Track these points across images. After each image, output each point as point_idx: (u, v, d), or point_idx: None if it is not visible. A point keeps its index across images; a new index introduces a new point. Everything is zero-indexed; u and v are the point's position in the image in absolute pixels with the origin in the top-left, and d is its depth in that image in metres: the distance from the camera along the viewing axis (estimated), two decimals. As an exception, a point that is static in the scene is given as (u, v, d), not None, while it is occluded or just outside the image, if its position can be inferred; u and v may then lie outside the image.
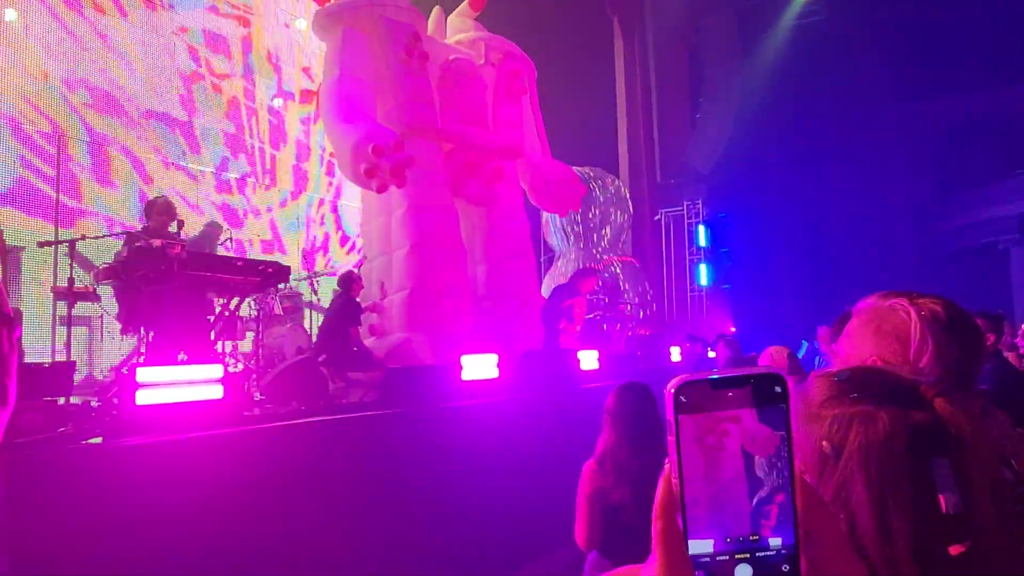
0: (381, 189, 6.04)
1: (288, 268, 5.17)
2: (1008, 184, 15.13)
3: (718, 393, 0.47)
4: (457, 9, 8.14)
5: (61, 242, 4.96)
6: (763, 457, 0.47)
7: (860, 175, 15.83)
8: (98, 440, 2.89)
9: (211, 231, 7.03)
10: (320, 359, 5.60)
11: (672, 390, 0.47)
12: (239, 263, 4.84)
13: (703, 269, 13.31)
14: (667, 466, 0.47)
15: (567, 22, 13.35)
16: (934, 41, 15.05)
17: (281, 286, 6.17)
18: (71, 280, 4.69)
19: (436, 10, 7.58)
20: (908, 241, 16.29)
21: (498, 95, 7.86)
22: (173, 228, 4.98)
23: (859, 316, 1.23)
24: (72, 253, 4.77)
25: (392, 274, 6.78)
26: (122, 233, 5.10)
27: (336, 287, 6.54)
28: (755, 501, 0.46)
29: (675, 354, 8.48)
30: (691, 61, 15.66)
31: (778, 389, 0.47)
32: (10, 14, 6.66)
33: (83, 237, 4.92)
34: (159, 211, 5.11)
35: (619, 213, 13.12)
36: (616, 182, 13.66)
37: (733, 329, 12.77)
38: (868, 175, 15.97)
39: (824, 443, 0.71)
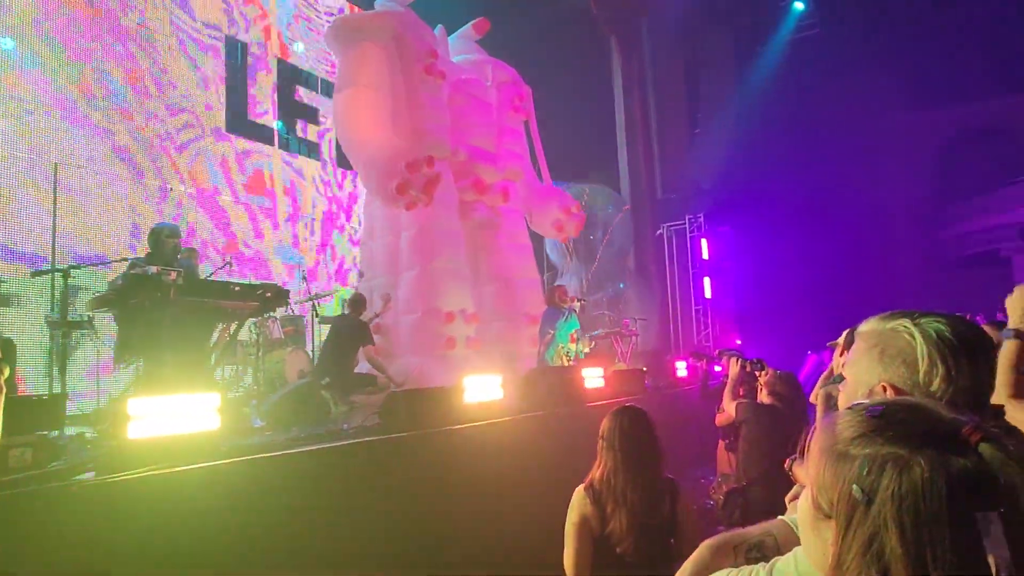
0: (410, 206, 6.05)
1: (287, 291, 5.11)
2: (1008, 191, 15.12)
3: None
4: (459, 31, 8.21)
5: (56, 271, 4.90)
6: None
7: (860, 185, 15.81)
8: (89, 475, 2.79)
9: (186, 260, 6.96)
10: (323, 382, 5.51)
11: None
12: (236, 288, 4.77)
13: (706, 283, 13.23)
14: None
15: (565, 41, 13.44)
16: (929, 51, 15.12)
17: (281, 309, 6.12)
18: (65, 310, 4.62)
19: (439, 29, 7.60)
20: (910, 250, 16.23)
21: (502, 118, 7.92)
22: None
23: (862, 339, 1.16)
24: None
25: (400, 295, 6.74)
26: (119, 260, 5.03)
27: (344, 308, 6.46)
28: None
29: (681, 369, 8.39)
30: (689, 77, 15.74)
31: None
32: (7, 43, 6.66)
33: (77, 266, 4.86)
34: (166, 236, 5.02)
35: (620, 229, 13.08)
36: (617, 197, 13.65)
37: (739, 342, 12.65)
38: (868, 185, 15.95)
39: (854, 487, 0.66)
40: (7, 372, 1.95)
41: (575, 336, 6.64)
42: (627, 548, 2.28)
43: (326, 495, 3.47)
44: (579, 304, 6.69)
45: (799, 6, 15.63)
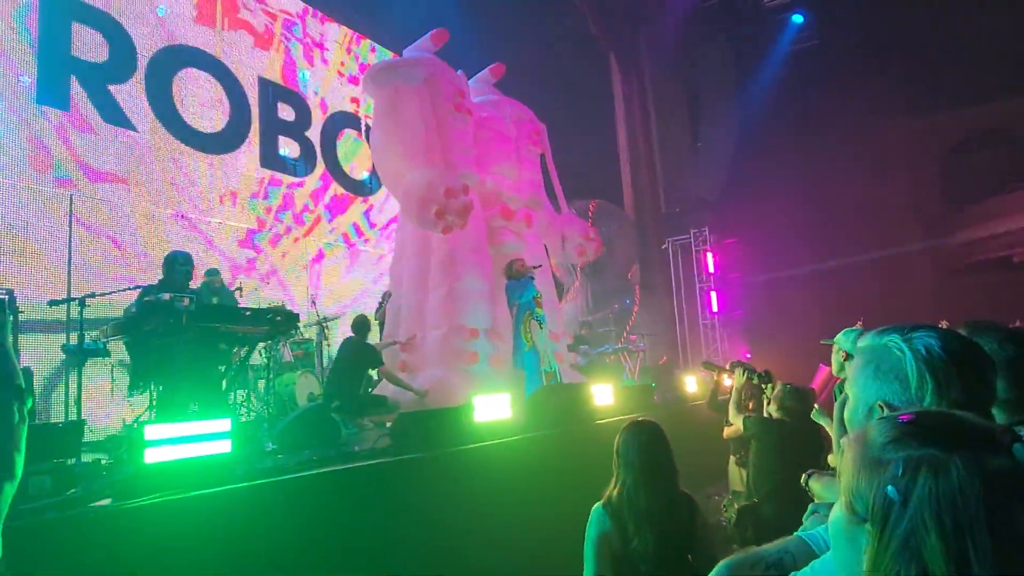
0: (447, 230, 6.55)
1: (297, 315, 5.18)
2: (1018, 196, 14.98)
3: None
4: (477, 75, 8.89)
5: (72, 300, 4.98)
6: None
7: (866, 192, 15.76)
8: (107, 501, 2.84)
9: (211, 282, 7.08)
10: (333, 405, 5.56)
11: None
12: (247, 313, 4.85)
13: (713, 296, 13.22)
14: None
15: (564, 59, 13.62)
16: (929, 57, 15.12)
17: (292, 333, 6.19)
18: (80, 337, 4.70)
19: (459, 74, 8.01)
20: (920, 257, 16.13)
21: (520, 151, 8.57)
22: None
23: (859, 356, 1.17)
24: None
25: (427, 313, 7.12)
26: (132, 288, 5.12)
27: (351, 332, 6.54)
28: None
29: (691, 383, 8.37)
30: (688, 91, 15.84)
31: None
32: (25, 80, 6.85)
33: (93, 294, 4.95)
34: (180, 263, 5.11)
35: (624, 245, 13.13)
36: (620, 213, 13.72)
37: (749, 355, 12.60)
38: (875, 192, 15.90)
39: (890, 488, 0.67)
40: (30, 402, 2.00)
41: (539, 300, 6.76)
42: (652, 566, 2.25)
43: (339, 517, 3.49)
44: (536, 271, 6.89)
45: (798, 19, 15.74)
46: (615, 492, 2.40)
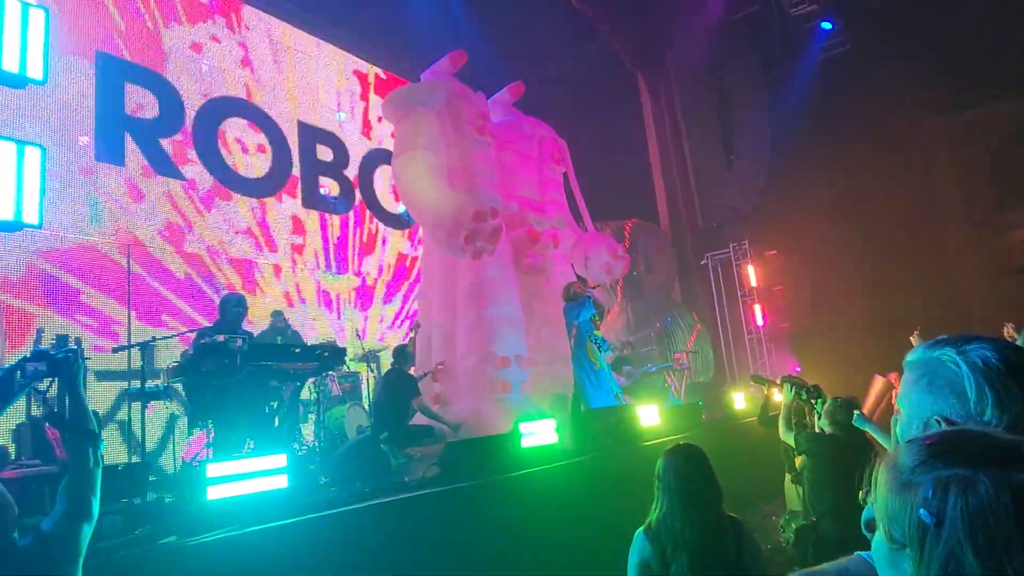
0: (477, 255, 6.45)
1: (343, 350, 5.33)
2: (1071, 191, 14.37)
3: None
4: (496, 95, 8.75)
5: (133, 346, 5.24)
6: None
7: (911, 195, 15.32)
8: (172, 539, 2.97)
9: (276, 322, 7.33)
10: (382, 436, 5.66)
11: None
12: (297, 350, 5.01)
13: (757, 309, 12.98)
14: None
15: (592, 83, 13.76)
16: (968, 51, 14.69)
17: (339, 367, 6.34)
18: (142, 381, 4.92)
19: (479, 94, 8.07)
20: (969, 259, 15.52)
21: (543, 171, 8.47)
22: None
23: (909, 370, 1.15)
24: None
25: (457, 342, 7.04)
26: (189, 331, 5.36)
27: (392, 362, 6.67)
28: None
29: (739, 400, 8.21)
30: (719, 104, 15.77)
31: None
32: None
33: (153, 340, 5.19)
34: (233, 305, 5.32)
35: (662, 263, 13.05)
36: (656, 231, 13.65)
37: (799, 369, 12.29)
38: (920, 194, 15.44)
39: (922, 511, 0.68)
40: (102, 446, 2.13)
41: (596, 322, 6.70)
42: None
43: (393, 547, 3.55)
44: (595, 289, 6.82)
45: (826, 26, 15.57)
46: (655, 517, 2.41)
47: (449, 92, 7.37)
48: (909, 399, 1.14)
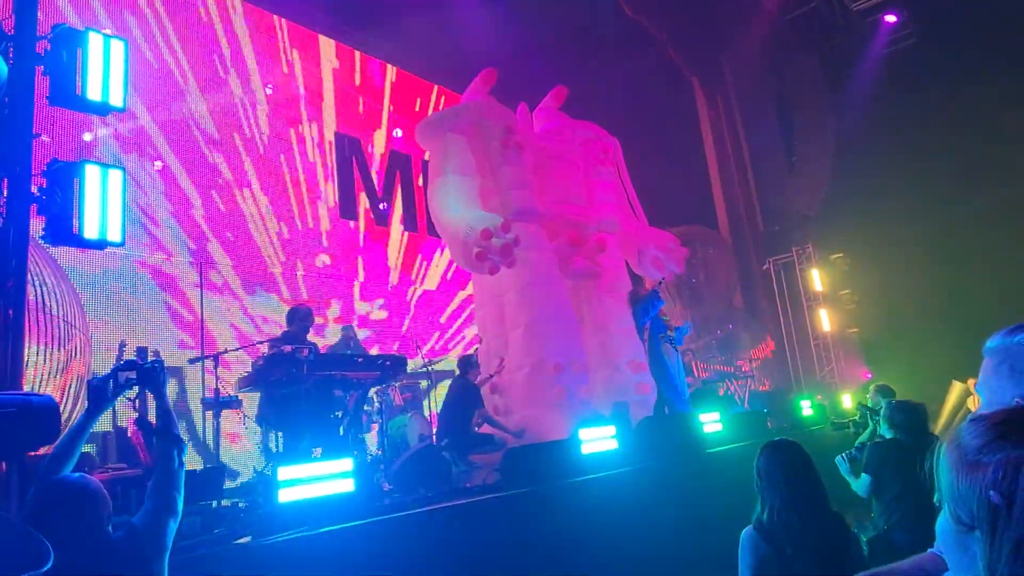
0: (493, 271, 6.41)
1: (404, 359, 5.44)
2: None
3: None
4: (541, 103, 8.71)
5: (207, 357, 5.51)
6: None
7: (987, 191, 14.49)
8: (247, 539, 3.11)
9: (347, 334, 7.57)
10: (443, 443, 5.75)
11: None
12: (360, 360, 5.16)
13: (822, 315, 12.51)
14: None
15: (647, 90, 13.65)
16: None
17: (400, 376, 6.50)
18: (216, 391, 5.17)
19: (521, 106, 8.12)
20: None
21: (589, 173, 8.29)
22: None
23: (989, 357, 1.14)
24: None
25: (510, 353, 7.05)
26: (260, 343, 5.60)
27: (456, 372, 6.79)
28: None
29: (805, 408, 7.92)
30: (778, 106, 15.38)
31: None
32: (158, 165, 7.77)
33: (225, 351, 5.45)
34: (300, 318, 5.54)
35: (722, 269, 12.77)
36: (716, 236, 13.39)
37: (869, 375, 11.78)
38: (998, 188, 14.58)
39: (992, 493, 0.67)
40: (186, 449, 2.27)
41: (666, 319, 6.60)
42: None
43: (454, 551, 3.61)
44: (661, 283, 6.71)
45: (890, 19, 14.98)
46: (765, 515, 2.35)
47: (476, 112, 7.43)
48: (989, 385, 1.13)
